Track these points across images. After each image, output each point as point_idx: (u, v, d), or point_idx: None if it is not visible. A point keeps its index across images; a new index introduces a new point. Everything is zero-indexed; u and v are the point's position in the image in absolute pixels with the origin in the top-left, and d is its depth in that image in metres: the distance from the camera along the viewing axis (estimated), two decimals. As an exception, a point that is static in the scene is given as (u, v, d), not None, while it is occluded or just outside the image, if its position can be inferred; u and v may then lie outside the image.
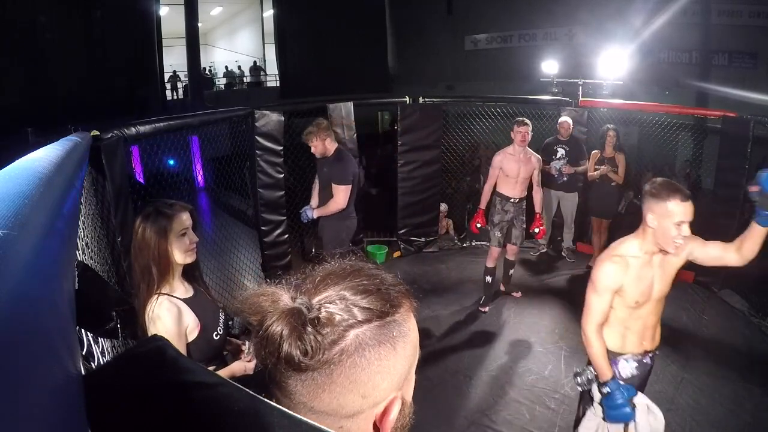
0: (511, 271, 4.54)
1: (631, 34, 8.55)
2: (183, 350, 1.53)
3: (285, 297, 0.54)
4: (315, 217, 3.78)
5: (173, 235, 1.55)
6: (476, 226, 4.27)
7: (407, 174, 5.42)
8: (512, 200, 4.14)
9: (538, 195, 4.20)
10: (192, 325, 1.59)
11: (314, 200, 3.89)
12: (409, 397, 0.58)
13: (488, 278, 4.27)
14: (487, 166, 4.49)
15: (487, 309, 4.27)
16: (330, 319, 0.51)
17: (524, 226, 4.25)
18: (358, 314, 0.52)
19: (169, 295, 1.57)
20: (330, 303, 0.53)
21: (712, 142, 5.02)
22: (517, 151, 4.02)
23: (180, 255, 1.57)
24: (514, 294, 4.53)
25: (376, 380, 0.52)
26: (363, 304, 0.53)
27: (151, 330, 1.50)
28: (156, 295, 1.54)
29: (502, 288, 4.56)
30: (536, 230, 4.19)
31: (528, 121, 4.03)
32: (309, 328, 0.50)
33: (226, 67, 15.39)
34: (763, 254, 1.92)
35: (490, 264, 4.26)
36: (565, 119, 5.14)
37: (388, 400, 0.54)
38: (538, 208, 4.21)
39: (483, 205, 4.24)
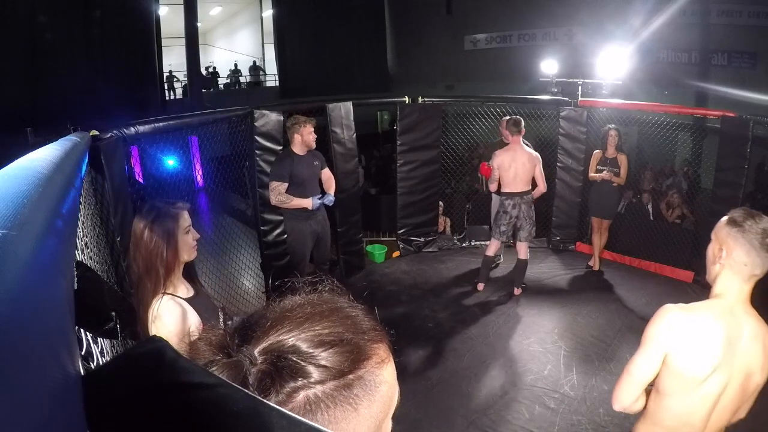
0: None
1: (630, 34, 8.56)
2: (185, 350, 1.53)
3: (228, 344, 0.46)
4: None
5: (180, 233, 1.59)
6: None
7: (406, 174, 5.42)
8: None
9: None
10: (195, 325, 1.60)
11: (297, 200, 3.77)
12: None
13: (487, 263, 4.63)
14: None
15: (482, 286, 4.55)
16: (275, 378, 0.43)
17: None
18: (313, 373, 0.43)
19: (172, 295, 1.58)
20: (279, 356, 0.44)
21: (712, 142, 5.03)
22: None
23: (186, 252, 1.62)
24: (515, 291, 4.55)
25: None
26: (320, 360, 0.44)
27: (154, 330, 1.51)
28: (160, 295, 1.55)
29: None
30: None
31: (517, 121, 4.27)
32: (250, 387, 0.42)
33: (236, 64, 15.41)
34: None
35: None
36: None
37: None
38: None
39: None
